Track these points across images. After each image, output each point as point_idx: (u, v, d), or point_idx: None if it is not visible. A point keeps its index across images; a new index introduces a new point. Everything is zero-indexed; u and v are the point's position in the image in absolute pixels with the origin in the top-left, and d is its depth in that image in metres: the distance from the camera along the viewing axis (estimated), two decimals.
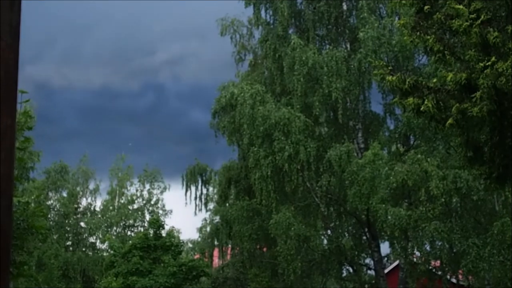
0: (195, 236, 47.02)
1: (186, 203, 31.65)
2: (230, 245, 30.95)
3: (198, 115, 72.32)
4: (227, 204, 29.76)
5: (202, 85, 76.51)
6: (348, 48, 26.69)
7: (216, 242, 30.68)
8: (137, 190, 44.42)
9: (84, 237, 42.14)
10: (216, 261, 33.81)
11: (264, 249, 29.44)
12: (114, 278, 28.50)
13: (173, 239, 30.43)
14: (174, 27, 64.60)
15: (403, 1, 11.21)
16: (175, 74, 73.02)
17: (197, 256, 33.68)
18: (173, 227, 35.51)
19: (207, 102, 65.23)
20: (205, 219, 40.33)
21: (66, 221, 41.51)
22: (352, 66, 24.91)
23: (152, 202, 44.10)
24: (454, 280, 25.01)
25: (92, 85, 68.46)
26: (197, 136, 67.97)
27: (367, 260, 27.59)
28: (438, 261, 23.76)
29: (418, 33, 10.77)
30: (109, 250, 33.89)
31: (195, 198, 31.85)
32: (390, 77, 11.05)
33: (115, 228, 42.85)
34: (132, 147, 71.22)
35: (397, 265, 28.05)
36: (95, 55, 63.65)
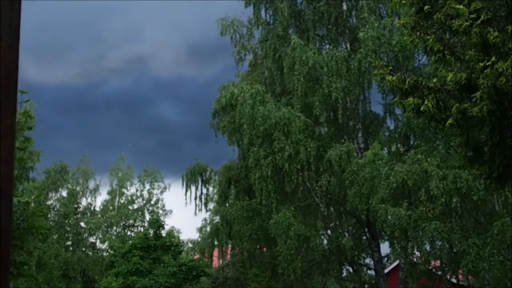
0: (195, 236, 47.03)
1: (186, 203, 31.72)
2: (230, 245, 30.96)
3: (167, 106, 72.15)
4: (227, 204, 29.76)
5: (182, 76, 76.27)
6: (348, 48, 26.70)
7: (216, 242, 30.69)
8: (137, 190, 44.44)
9: (84, 237, 42.11)
10: (216, 261, 33.81)
11: (264, 249, 29.43)
12: (114, 278, 28.50)
13: (173, 239, 30.43)
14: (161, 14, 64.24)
15: (403, 1, 11.21)
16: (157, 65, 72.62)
17: (197, 256, 33.67)
18: (173, 227, 35.53)
19: (178, 94, 64.74)
20: (205, 219, 40.31)
21: (66, 221, 41.46)
22: (352, 66, 24.90)
23: (152, 202, 44.09)
24: (454, 280, 24.99)
25: (69, 77, 67.81)
26: (163, 129, 67.81)
27: (367, 260, 27.60)
28: (438, 261, 23.76)
29: (418, 33, 10.76)
30: (109, 250, 33.87)
31: (195, 198, 31.88)
32: (390, 77, 11.04)
33: (115, 228, 42.84)
34: (120, 146, 70.68)
35: (397, 265, 28.03)
36: (73, 45, 63.16)
